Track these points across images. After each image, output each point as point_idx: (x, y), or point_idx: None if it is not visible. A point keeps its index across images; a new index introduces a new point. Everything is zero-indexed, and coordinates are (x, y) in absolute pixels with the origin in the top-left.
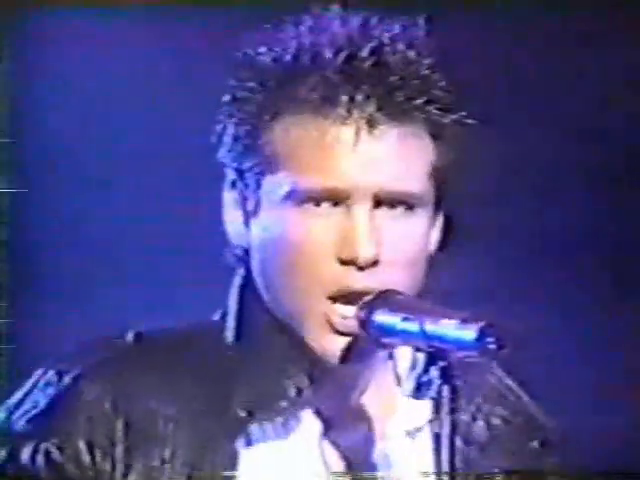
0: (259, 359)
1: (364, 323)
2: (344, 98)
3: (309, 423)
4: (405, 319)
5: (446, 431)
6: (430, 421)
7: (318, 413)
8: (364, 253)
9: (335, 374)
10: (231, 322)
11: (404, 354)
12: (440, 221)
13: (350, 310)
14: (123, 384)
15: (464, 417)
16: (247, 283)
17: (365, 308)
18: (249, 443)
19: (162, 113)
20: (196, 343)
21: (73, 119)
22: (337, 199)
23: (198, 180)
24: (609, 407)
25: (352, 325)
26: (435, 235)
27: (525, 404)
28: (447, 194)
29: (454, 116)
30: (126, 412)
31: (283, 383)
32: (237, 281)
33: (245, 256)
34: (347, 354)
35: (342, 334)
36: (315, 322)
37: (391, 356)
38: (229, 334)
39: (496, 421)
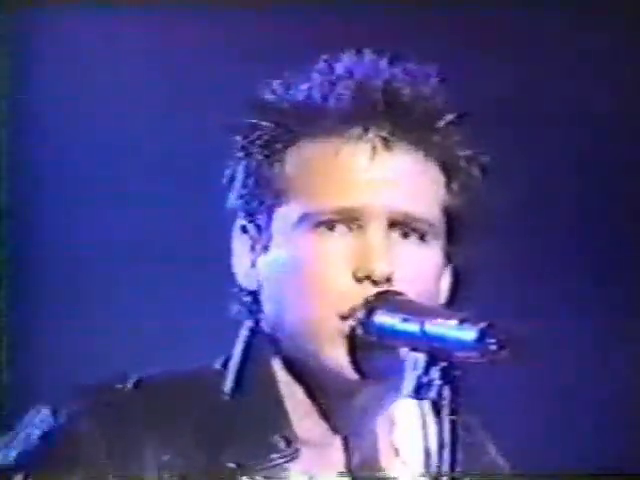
0: (253, 411)
1: (364, 324)
2: (361, 116)
3: (298, 476)
4: (405, 320)
5: (447, 432)
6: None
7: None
8: (380, 268)
9: (355, 396)
10: (232, 372)
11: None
12: (448, 273)
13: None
14: (119, 429)
15: None
16: (254, 335)
17: (364, 309)
18: None
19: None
20: (195, 391)
21: (72, 120)
22: (351, 219)
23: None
24: (608, 407)
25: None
26: (446, 283)
27: None
28: (458, 232)
29: (468, 152)
30: (119, 456)
31: (274, 436)
32: (244, 332)
33: (253, 304)
34: (366, 370)
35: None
36: (331, 340)
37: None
38: (228, 384)
39: None
